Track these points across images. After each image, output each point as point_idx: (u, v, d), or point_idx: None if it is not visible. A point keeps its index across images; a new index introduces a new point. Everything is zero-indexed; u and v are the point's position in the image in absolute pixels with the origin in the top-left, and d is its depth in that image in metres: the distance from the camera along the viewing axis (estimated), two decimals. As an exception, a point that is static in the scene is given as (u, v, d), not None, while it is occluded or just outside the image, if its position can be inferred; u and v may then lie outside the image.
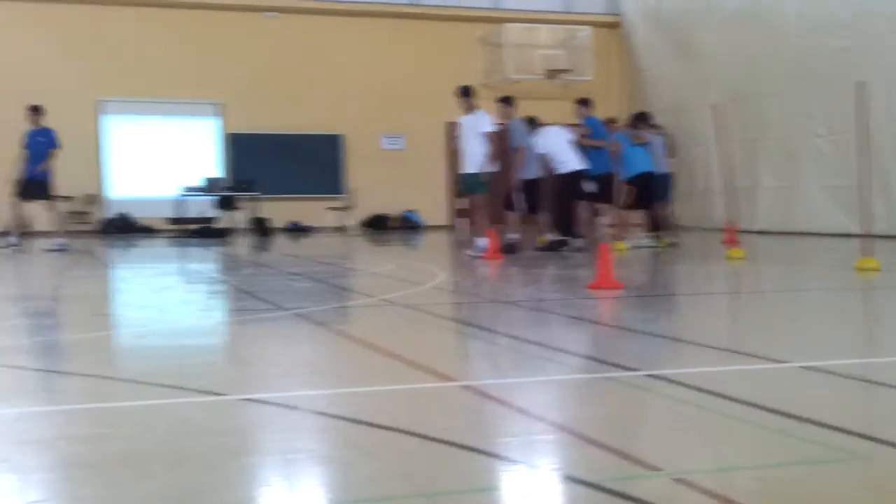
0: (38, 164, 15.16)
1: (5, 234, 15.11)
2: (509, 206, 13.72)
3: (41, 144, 15.21)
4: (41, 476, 2.89)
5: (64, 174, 20.38)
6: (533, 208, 13.83)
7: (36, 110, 15.51)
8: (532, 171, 13.61)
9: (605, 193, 14.34)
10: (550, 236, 13.92)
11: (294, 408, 3.71)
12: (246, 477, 2.91)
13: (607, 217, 15.15)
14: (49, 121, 20.01)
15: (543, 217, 14.02)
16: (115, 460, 3.03)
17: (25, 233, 15.85)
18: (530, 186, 13.66)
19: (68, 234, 15.05)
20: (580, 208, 14.16)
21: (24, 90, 19.81)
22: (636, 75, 23.00)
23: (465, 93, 12.36)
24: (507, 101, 13.40)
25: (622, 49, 23.81)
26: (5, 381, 4.39)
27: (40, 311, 7.10)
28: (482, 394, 4.05)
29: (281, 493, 2.77)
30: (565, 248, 13.18)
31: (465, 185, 12.56)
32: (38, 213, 19.99)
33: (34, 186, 15.19)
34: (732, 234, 13.70)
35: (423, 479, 2.82)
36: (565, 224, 13.42)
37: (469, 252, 12.44)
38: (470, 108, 12.36)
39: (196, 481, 2.81)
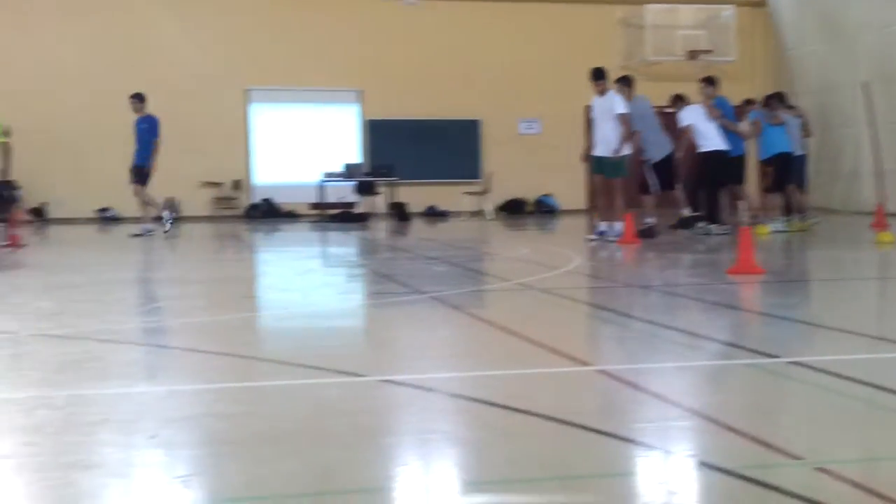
0: (144, 151, 15.64)
1: (158, 218, 15.66)
2: (644, 188, 13.53)
3: (144, 132, 15.71)
4: (188, 452, 3.01)
5: (213, 161, 21.17)
6: (666, 186, 13.66)
7: (139, 98, 16.01)
8: (665, 149, 13.43)
9: (738, 175, 13.99)
10: (685, 212, 13.65)
11: (430, 390, 3.76)
12: (383, 456, 2.98)
13: (746, 200, 14.76)
14: (200, 109, 20.80)
15: (679, 192, 13.83)
16: (259, 438, 3.13)
17: (175, 217, 16.36)
18: (663, 164, 13.47)
19: (154, 220, 15.48)
20: (720, 192, 13.82)
21: (177, 80, 20.59)
22: (781, 55, 22.29)
23: (598, 75, 12.19)
24: (624, 81, 12.99)
25: (766, 28, 23.11)
26: (155, 361, 4.59)
27: (188, 294, 7.37)
28: (618, 378, 4.02)
29: (417, 472, 2.83)
30: (700, 226, 12.92)
31: (601, 168, 12.37)
32: (185, 197, 20.79)
33: (137, 171, 15.65)
34: (882, 218, 13.18)
35: (558, 463, 2.83)
36: (710, 209, 13.16)
37: (591, 237, 12.31)
38: (603, 91, 12.20)
39: (335, 459, 2.89)
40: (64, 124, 20.23)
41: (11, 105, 19.77)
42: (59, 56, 20.31)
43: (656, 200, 13.57)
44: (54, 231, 17.44)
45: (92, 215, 20.66)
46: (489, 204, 21.25)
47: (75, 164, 20.30)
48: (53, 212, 20.49)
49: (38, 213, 20.30)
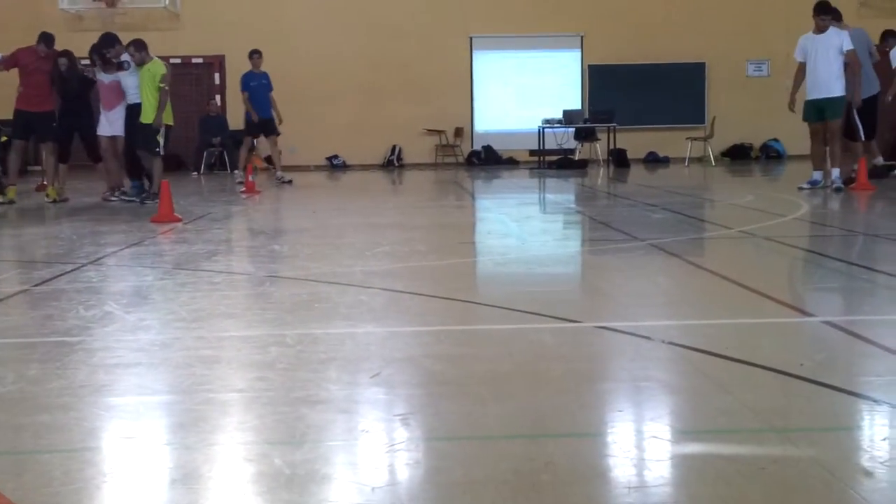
0: (267, 104, 16.05)
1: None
2: (850, 134, 12.27)
3: (266, 87, 16.01)
4: (407, 391, 3.13)
5: (437, 109, 21.54)
6: (870, 132, 12.24)
7: (259, 54, 16.30)
8: (871, 89, 12.12)
9: None
10: (879, 160, 12.65)
11: (647, 337, 3.74)
12: (599, 401, 3.00)
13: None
14: (425, 58, 21.16)
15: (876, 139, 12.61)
16: (476, 379, 3.22)
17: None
18: (867, 107, 12.00)
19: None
20: None
21: (403, 29, 21.03)
22: None
23: (822, 9, 11.39)
24: (835, 14, 11.81)
25: None
26: (378, 303, 4.76)
27: (410, 239, 7.58)
28: (844, 330, 3.87)
29: (632, 419, 2.83)
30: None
31: (821, 113, 11.50)
32: (408, 144, 21.26)
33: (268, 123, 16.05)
34: None
35: (776, 415, 2.77)
36: None
37: (804, 185, 11.60)
38: (824, 27, 11.40)
39: (551, 403, 2.94)
40: (297, 75, 21.05)
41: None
42: (295, 11, 21.08)
43: (865, 148, 12.33)
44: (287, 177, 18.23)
45: (322, 163, 21.48)
46: (712, 149, 20.64)
47: (307, 113, 21.11)
48: (287, 159, 21.43)
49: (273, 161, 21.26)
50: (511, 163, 21.71)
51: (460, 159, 21.91)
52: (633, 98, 21.53)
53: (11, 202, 11.45)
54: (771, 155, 21.61)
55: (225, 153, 19.84)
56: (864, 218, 8.96)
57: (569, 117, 19.80)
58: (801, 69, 11.68)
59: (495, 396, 3.00)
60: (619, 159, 19.81)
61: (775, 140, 21.75)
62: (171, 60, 20.08)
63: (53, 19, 20.16)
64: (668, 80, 21.83)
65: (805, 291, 5.18)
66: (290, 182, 15.55)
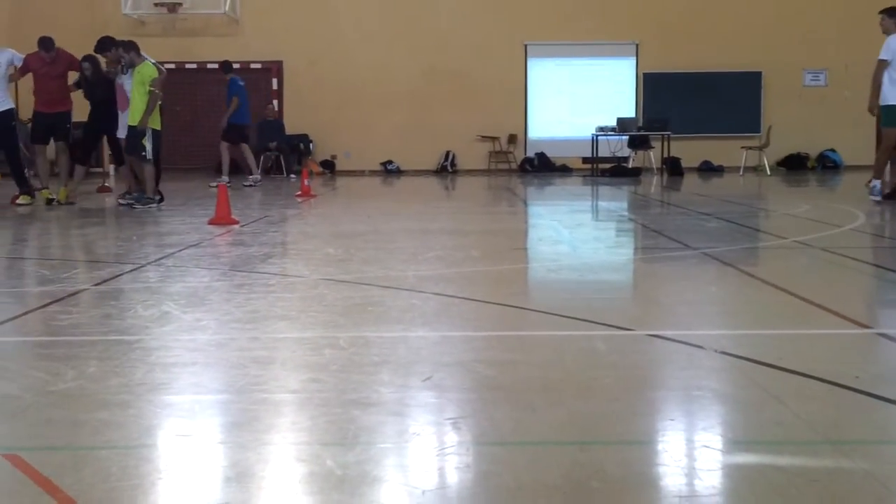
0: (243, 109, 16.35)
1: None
2: None
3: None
4: (458, 396, 3.15)
5: (490, 116, 21.55)
6: None
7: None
8: None
9: None
10: None
11: (699, 346, 3.72)
12: (650, 410, 3.00)
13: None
14: (480, 65, 21.18)
15: None
16: (527, 385, 3.23)
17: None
18: None
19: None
20: None
21: (457, 36, 21.10)
22: None
23: (893, 12, 11.11)
24: (891, 12, 11.57)
25: None
26: (430, 307, 4.79)
27: (463, 244, 7.60)
28: (901, 344, 3.83)
29: (684, 428, 2.83)
30: None
31: (893, 119, 11.27)
32: (462, 150, 21.30)
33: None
34: None
35: (830, 427, 2.75)
36: None
37: (874, 196, 11.35)
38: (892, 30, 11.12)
39: (602, 411, 2.94)
40: (352, 81, 21.21)
41: (309, 67, 21.05)
42: (351, 17, 21.23)
43: None
44: (342, 182, 18.38)
45: (376, 168, 21.59)
46: (768, 159, 20.42)
47: (362, 119, 21.25)
48: (341, 164, 21.58)
49: (329, 166, 21.43)
50: (564, 170, 21.66)
51: (513, 166, 21.90)
52: (688, 106, 21.38)
53: (50, 201, 11.56)
54: (827, 165, 21.34)
55: (281, 157, 20.02)
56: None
57: (623, 125, 19.70)
58: (881, 69, 11.26)
59: (546, 402, 3.01)
60: (673, 168, 19.67)
61: (832, 150, 21.48)
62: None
63: (116, 23, 20.53)
64: (723, 88, 21.64)
65: (861, 303, 5.11)
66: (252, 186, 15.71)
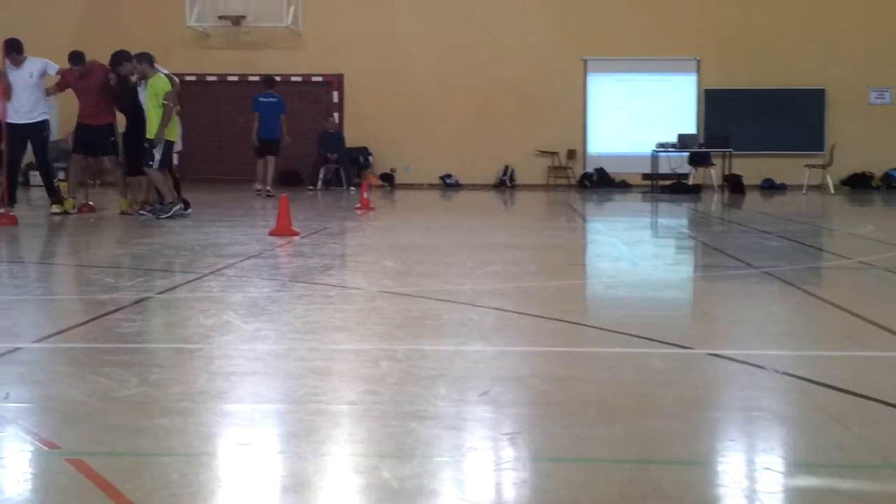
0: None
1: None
2: None
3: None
4: (514, 410, 3.14)
5: (549, 130, 21.52)
6: None
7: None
8: None
9: None
10: None
11: (760, 367, 3.68)
12: (709, 430, 2.97)
13: None
14: (538, 80, 21.17)
15: None
16: (584, 402, 3.22)
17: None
18: None
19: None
20: None
21: (516, 51, 21.12)
22: None
23: None
24: None
25: None
26: (487, 321, 4.79)
27: (520, 259, 7.59)
28: (968, 368, 3.75)
29: (744, 449, 2.80)
30: None
31: None
32: (520, 165, 21.28)
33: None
34: None
35: (892, 451, 2.70)
36: None
37: None
38: None
39: (660, 429, 2.91)
40: (412, 94, 21.31)
41: (369, 81, 21.21)
42: (412, 31, 21.35)
43: None
44: (401, 195, 18.46)
45: (435, 181, 21.65)
46: (831, 177, 20.13)
47: (421, 132, 21.33)
48: (400, 177, 21.68)
49: (388, 179, 21.54)
50: (623, 186, 21.54)
51: (572, 181, 21.83)
52: (750, 123, 21.16)
53: (66, 213, 11.71)
54: (893, 185, 20.98)
55: (341, 169, 20.17)
56: None
57: (683, 142, 19.56)
58: None
59: (603, 419, 3.00)
60: (734, 185, 19.47)
61: (898, 169, 21.14)
62: (292, 78, 20.76)
63: (181, 36, 20.89)
64: (786, 105, 21.38)
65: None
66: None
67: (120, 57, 11.82)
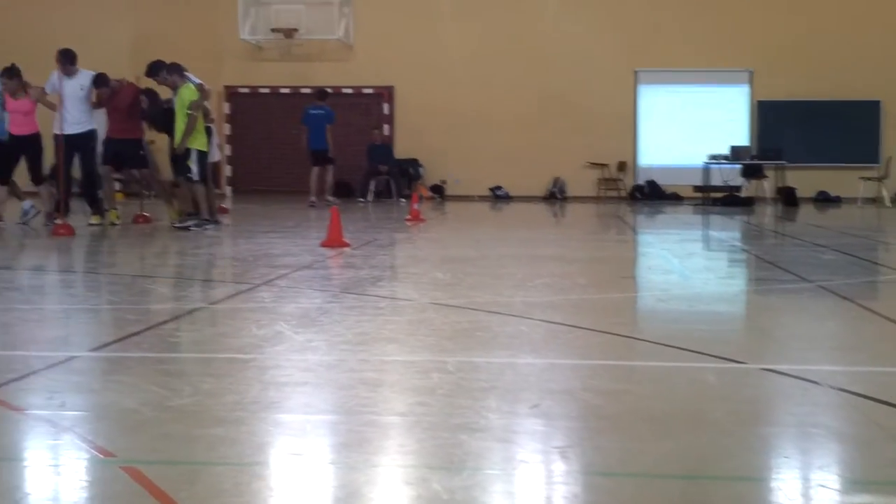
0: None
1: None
2: None
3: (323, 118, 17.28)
4: (565, 424, 3.13)
5: (600, 142, 21.43)
6: None
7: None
8: None
9: None
10: None
11: (815, 382, 3.63)
12: (763, 445, 2.93)
13: None
14: (589, 91, 21.11)
15: None
16: (635, 416, 3.20)
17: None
18: None
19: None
20: None
21: (566, 62, 21.08)
22: None
23: None
24: None
25: None
26: (538, 334, 4.78)
27: (571, 272, 7.57)
28: None
29: (798, 465, 2.76)
30: None
31: None
32: (571, 177, 21.22)
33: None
34: None
35: (953, 469, 2.65)
36: None
37: None
38: None
39: (712, 444, 2.89)
40: (462, 106, 21.33)
41: (419, 93, 21.28)
42: (461, 43, 21.40)
43: None
44: (451, 207, 18.49)
45: (485, 193, 21.64)
46: (888, 190, 19.82)
47: (472, 144, 21.35)
48: (451, 189, 21.71)
49: (438, 191, 21.58)
50: (675, 198, 21.36)
51: (623, 193, 21.71)
52: (804, 135, 20.91)
53: (113, 224, 11.85)
54: (951, 197, 20.60)
55: (391, 181, 20.25)
56: None
57: (736, 154, 19.38)
58: None
59: (654, 434, 2.98)
60: (787, 198, 19.24)
61: (957, 182, 20.75)
62: (343, 90, 20.90)
63: (234, 49, 21.12)
64: (840, 117, 21.10)
65: None
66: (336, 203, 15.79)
67: (156, 67, 11.99)
